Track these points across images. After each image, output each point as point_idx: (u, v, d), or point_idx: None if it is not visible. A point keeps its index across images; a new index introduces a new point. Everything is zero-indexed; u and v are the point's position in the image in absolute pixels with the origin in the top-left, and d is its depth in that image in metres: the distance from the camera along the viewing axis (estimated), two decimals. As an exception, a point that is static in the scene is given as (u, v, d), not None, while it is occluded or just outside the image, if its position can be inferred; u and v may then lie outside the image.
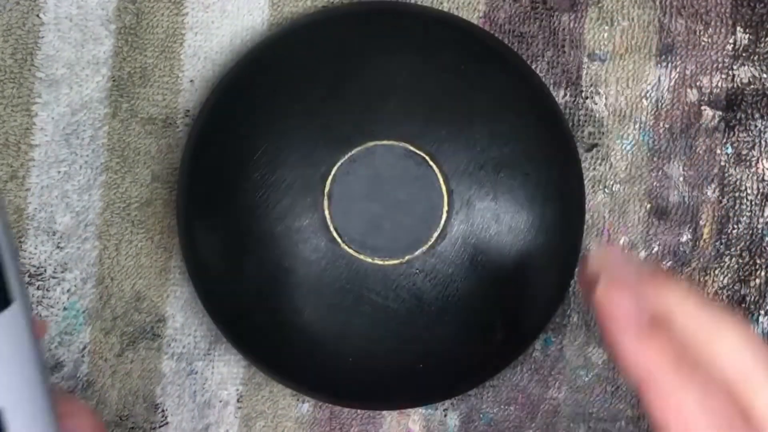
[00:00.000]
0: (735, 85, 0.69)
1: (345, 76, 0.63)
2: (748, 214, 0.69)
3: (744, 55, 0.69)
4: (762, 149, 0.69)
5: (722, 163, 0.69)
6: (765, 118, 0.69)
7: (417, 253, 0.62)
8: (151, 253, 0.68)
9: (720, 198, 0.69)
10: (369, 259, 0.62)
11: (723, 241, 0.69)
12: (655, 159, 0.69)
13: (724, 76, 0.69)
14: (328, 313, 0.62)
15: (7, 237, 0.35)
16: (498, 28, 0.68)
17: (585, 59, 0.69)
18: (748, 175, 0.69)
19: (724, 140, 0.69)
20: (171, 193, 0.67)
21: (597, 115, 0.69)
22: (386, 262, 0.62)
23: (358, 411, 0.68)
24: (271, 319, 0.63)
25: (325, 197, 0.62)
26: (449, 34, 0.65)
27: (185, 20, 0.68)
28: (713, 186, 0.69)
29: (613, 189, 0.69)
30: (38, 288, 0.67)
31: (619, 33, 0.69)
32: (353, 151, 0.62)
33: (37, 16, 0.67)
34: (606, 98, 0.69)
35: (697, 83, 0.69)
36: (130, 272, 0.67)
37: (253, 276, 0.62)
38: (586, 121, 0.69)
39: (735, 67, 0.69)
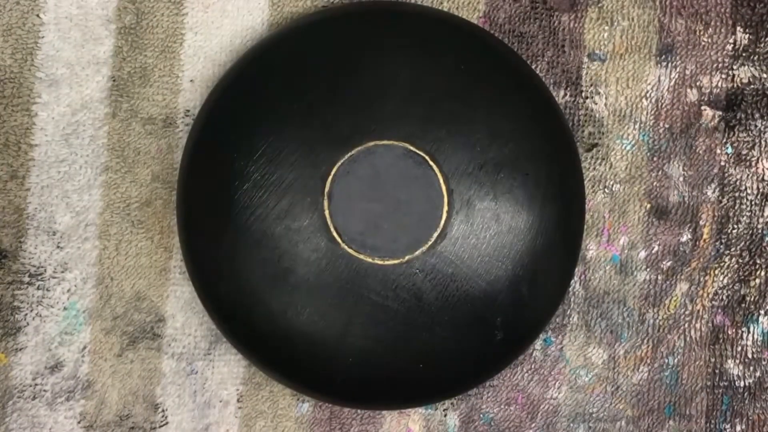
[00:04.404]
0: (735, 85, 0.69)
1: (345, 75, 0.63)
2: (748, 213, 0.69)
3: (744, 55, 0.69)
4: (762, 149, 0.69)
5: (722, 163, 0.69)
6: (765, 117, 0.69)
7: (417, 253, 0.62)
8: (151, 253, 0.68)
9: (720, 198, 0.69)
10: (369, 259, 0.62)
11: (723, 240, 0.69)
12: (654, 159, 0.69)
13: (724, 76, 0.69)
14: (328, 313, 0.62)
15: None
16: (498, 27, 0.68)
17: (585, 59, 0.69)
18: (748, 174, 0.69)
19: (724, 140, 0.69)
20: (171, 193, 0.67)
21: (597, 115, 0.69)
22: (386, 262, 0.62)
23: (358, 411, 0.68)
24: (270, 319, 0.63)
25: (325, 197, 0.62)
26: (449, 34, 0.65)
27: (185, 20, 0.68)
28: (713, 186, 0.69)
29: (613, 189, 0.69)
30: (38, 288, 0.67)
31: (619, 33, 0.69)
32: (353, 151, 0.62)
33: (37, 15, 0.67)
34: (606, 98, 0.69)
35: (697, 83, 0.69)
36: (130, 272, 0.67)
37: (253, 276, 0.62)
38: (586, 121, 0.69)
39: (735, 67, 0.69)
